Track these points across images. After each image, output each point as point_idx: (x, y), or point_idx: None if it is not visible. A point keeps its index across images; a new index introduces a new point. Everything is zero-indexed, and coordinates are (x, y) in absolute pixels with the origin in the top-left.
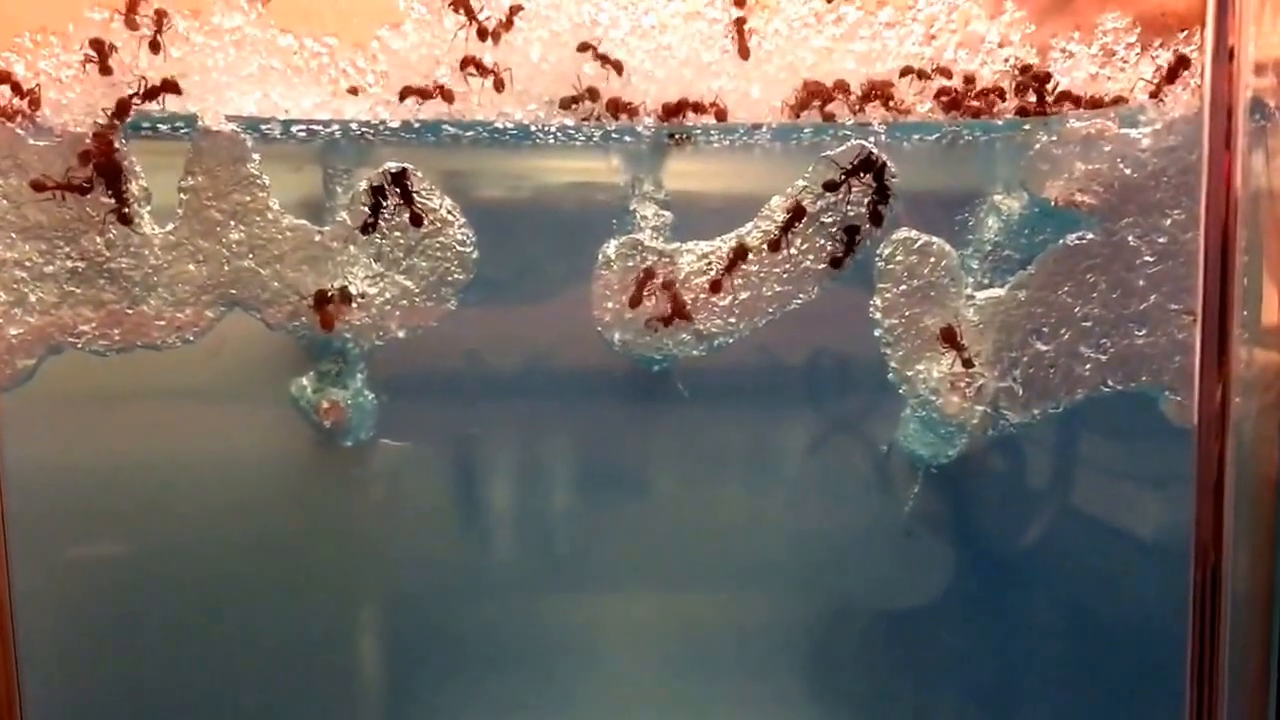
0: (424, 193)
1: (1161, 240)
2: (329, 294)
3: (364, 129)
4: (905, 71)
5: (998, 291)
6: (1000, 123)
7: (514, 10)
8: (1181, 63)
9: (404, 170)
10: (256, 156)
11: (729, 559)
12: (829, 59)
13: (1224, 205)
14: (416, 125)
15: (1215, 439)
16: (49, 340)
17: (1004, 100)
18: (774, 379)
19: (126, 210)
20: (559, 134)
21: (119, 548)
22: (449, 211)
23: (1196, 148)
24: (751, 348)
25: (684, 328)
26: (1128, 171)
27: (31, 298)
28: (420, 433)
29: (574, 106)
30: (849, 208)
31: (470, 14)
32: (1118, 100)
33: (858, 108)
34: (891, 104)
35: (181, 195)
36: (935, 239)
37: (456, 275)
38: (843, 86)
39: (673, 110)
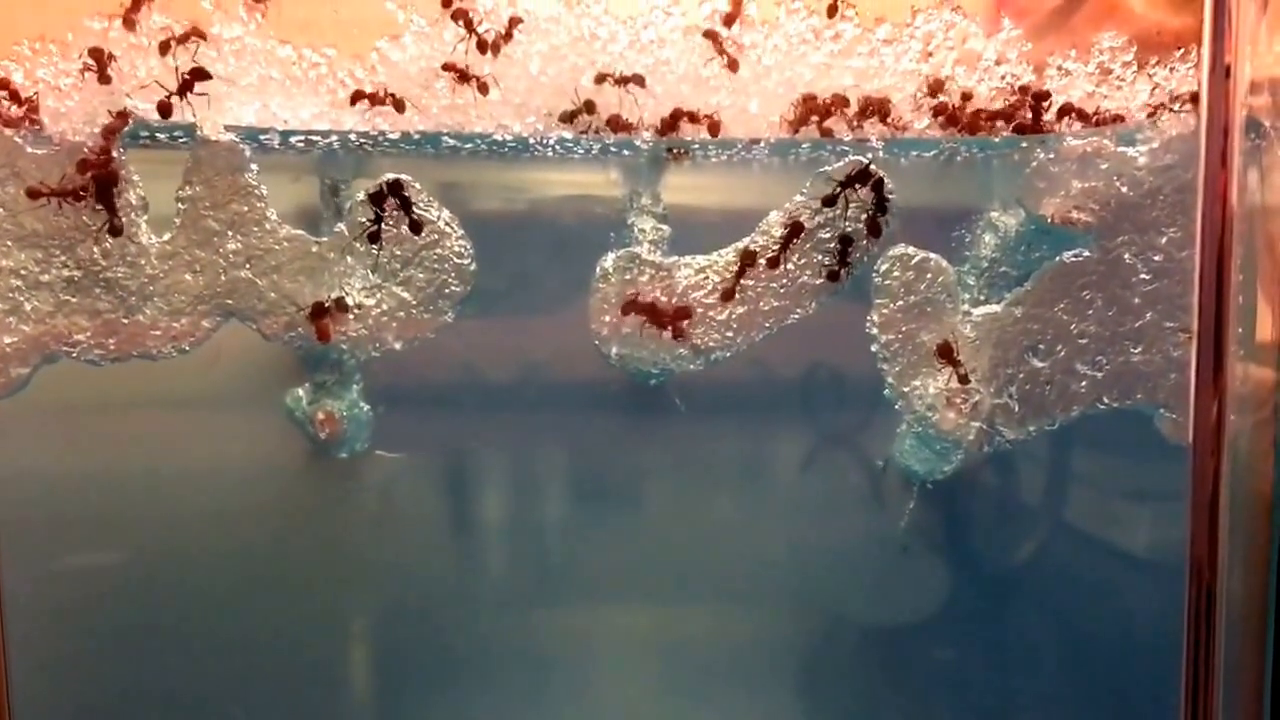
0: (422, 204)
1: (1157, 258)
2: (326, 305)
3: (362, 140)
4: (935, 88)
5: (994, 308)
6: (998, 140)
7: (513, 23)
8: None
9: (400, 181)
10: (254, 167)
11: (725, 574)
12: (827, 75)
13: (1220, 222)
14: (415, 137)
15: (1210, 455)
16: (44, 349)
17: (1009, 122)
18: (770, 394)
19: (117, 222)
20: (557, 147)
21: (113, 559)
22: (447, 223)
23: (1192, 166)
24: (748, 362)
25: (681, 342)
26: (1124, 189)
27: (27, 306)
28: (416, 444)
29: (574, 120)
30: (846, 223)
31: (469, 26)
32: (1118, 119)
33: (856, 124)
34: (889, 120)
35: (179, 205)
36: (932, 255)
37: (454, 287)
38: (841, 101)
39: (669, 123)
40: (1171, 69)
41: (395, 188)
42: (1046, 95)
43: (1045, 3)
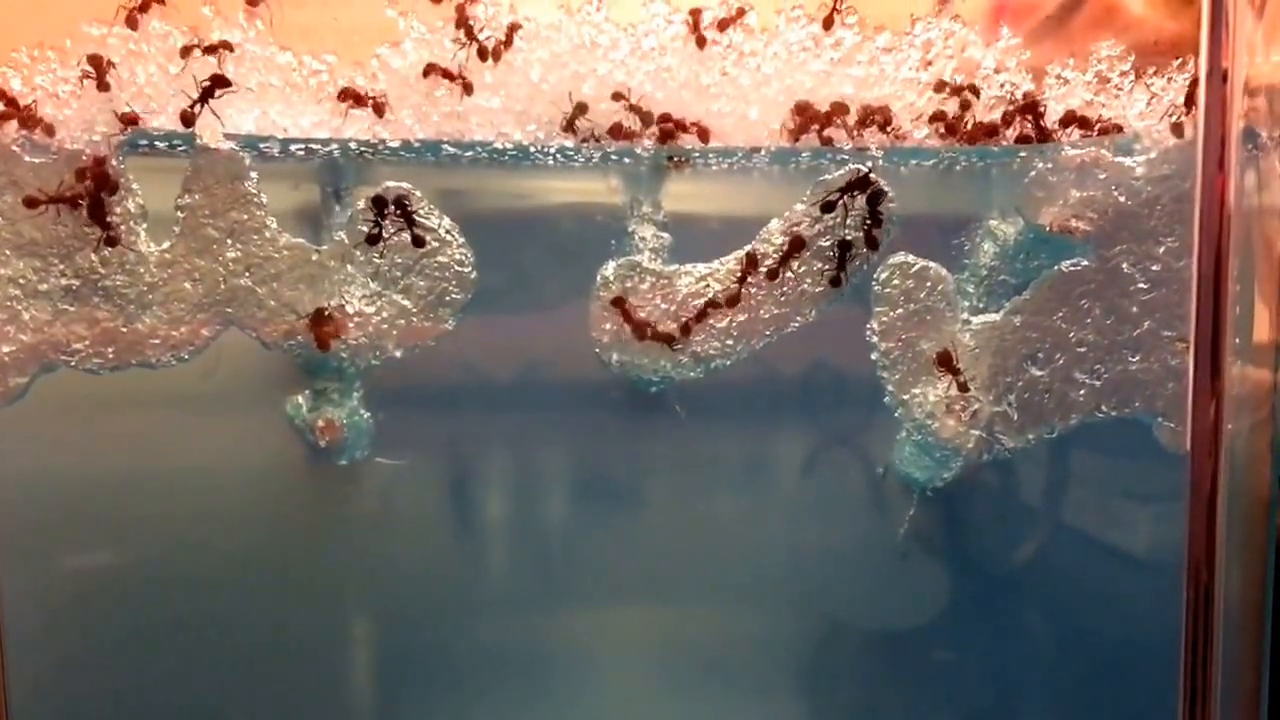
0: (423, 212)
1: (1155, 268)
2: (326, 313)
3: (363, 148)
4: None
5: (993, 316)
6: (996, 149)
7: (513, 29)
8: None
9: (404, 195)
10: (254, 174)
11: (725, 581)
12: (827, 82)
13: (1217, 227)
14: (415, 145)
15: (1208, 456)
16: (42, 358)
17: (1009, 128)
18: (770, 401)
19: (112, 234)
20: (558, 155)
21: (112, 566)
22: (447, 231)
23: (1189, 176)
24: (749, 370)
25: (681, 349)
26: (1122, 199)
27: (25, 315)
28: (416, 451)
29: (574, 126)
30: (846, 231)
31: (470, 33)
32: (1118, 128)
33: (856, 132)
34: (889, 129)
35: (179, 213)
36: (932, 264)
37: (454, 295)
38: (841, 109)
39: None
40: (1170, 79)
41: (398, 201)
42: (1038, 106)
43: (1042, 8)
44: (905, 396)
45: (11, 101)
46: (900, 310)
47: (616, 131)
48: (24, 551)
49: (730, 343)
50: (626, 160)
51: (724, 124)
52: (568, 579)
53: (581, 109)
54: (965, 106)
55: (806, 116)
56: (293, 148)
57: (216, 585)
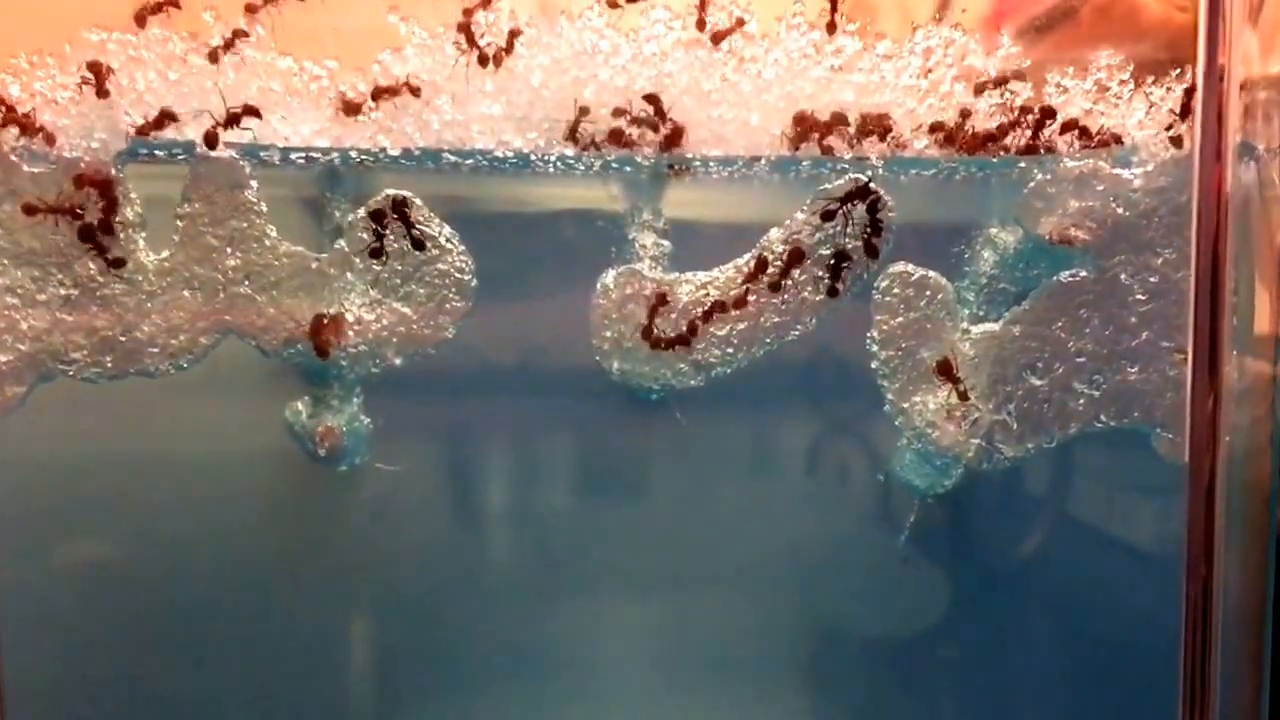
0: (423, 220)
1: (1153, 279)
2: (325, 320)
3: (363, 156)
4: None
5: (993, 326)
6: (995, 159)
7: (514, 35)
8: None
9: (404, 199)
10: (254, 182)
11: (726, 587)
12: (828, 89)
13: (1215, 229)
14: (416, 152)
15: (1207, 450)
16: (40, 368)
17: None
18: (770, 408)
19: (119, 256)
20: (558, 162)
21: (112, 572)
22: (447, 239)
23: (1186, 188)
24: (749, 377)
25: (682, 357)
26: (1120, 210)
27: (23, 324)
28: (416, 458)
29: (575, 134)
30: (846, 240)
31: (471, 39)
32: (1117, 139)
33: (855, 141)
34: (889, 138)
35: (178, 221)
36: (931, 272)
37: (454, 303)
38: (839, 119)
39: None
40: (1169, 89)
41: (397, 205)
42: (1054, 113)
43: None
44: (905, 405)
45: (10, 108)
46: (900, 318)
47: (616, 138)
48: (21, 551)
49: (731, 350)
50: (627, 168)
51: (725, 130)
52: (565, 587)
53: (584, 113)
54: (966, 115)
55: (806, 126)
56: (293, 156)
57: (216, 591)
